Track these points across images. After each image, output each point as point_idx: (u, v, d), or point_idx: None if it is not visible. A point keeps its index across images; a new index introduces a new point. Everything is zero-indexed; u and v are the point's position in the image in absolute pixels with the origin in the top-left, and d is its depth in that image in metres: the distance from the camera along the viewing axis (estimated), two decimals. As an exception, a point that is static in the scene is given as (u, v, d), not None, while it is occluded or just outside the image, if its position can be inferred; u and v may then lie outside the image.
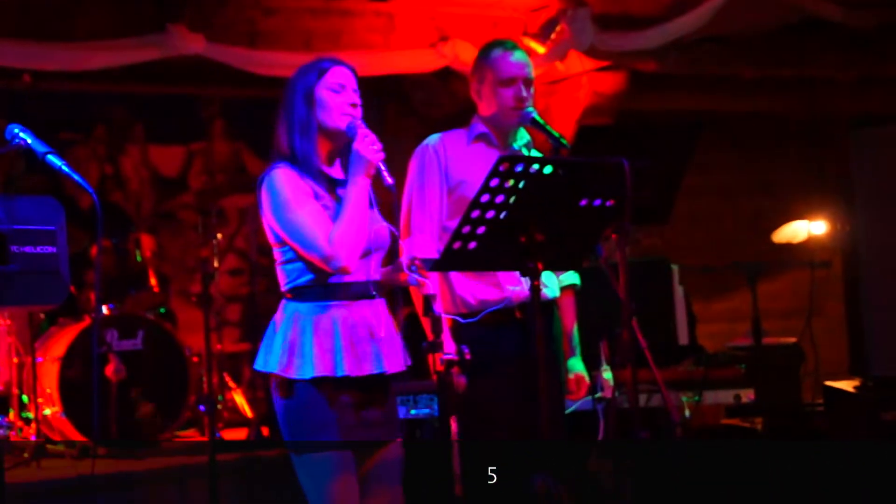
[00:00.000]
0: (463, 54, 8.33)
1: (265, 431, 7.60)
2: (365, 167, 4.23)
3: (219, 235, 8.00)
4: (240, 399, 8.61)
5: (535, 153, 5.26)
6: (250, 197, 8.90)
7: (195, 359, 7.99)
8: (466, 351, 4.13)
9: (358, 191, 4.23)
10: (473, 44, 8.39)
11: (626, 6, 8.16)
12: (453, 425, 4.11)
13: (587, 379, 5.32)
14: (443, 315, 4.79)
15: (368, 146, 4.23)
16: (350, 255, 4.19)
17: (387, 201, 4.42)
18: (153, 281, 8.00)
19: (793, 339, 8.06)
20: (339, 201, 4.30)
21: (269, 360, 4.27)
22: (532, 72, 5.22)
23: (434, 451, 5.82)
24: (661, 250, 9.34)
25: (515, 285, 5.04)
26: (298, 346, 4.23)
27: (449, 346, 4.62)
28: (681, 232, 10.24)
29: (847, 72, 9.05)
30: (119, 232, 8.04)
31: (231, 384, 8.69)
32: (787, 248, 8.43)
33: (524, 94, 5.13)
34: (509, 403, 5.01)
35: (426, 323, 4.20)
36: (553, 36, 8.18)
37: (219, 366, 8.43)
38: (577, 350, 5.36)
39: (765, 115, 10.13)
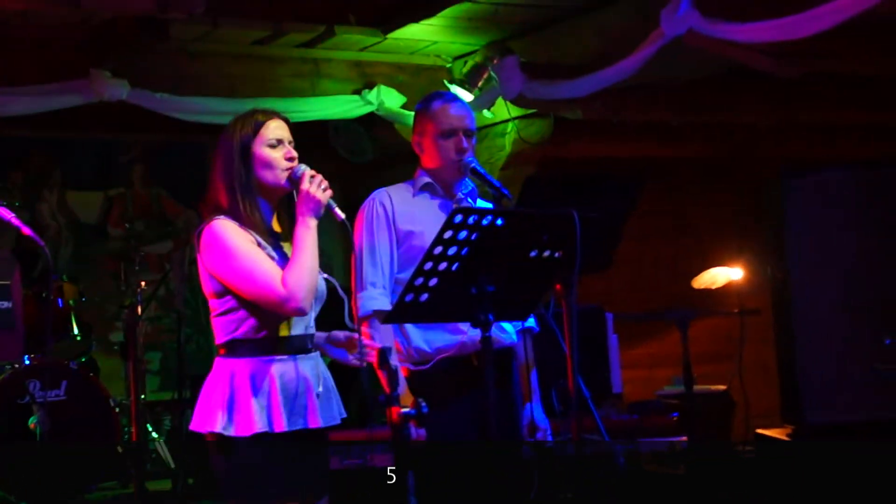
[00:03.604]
0: (388, 101, 8.34)
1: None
2: (314, 209, 4.19)
3: (142, 283, 7.87)
4: (162, 450, 8.47)
5: (481, 202, 5.24)
6: (170, 243, 8.92)
7: (116, 409, 7.82)
8: (423, 405, 4.08)
9: (309, 233, 4.18)
10: (398, 90, 8.40)
11: (553, 55, 8.16)
12: (410, 479, 4.05)
13: (541, 425, 5.28)
14: (399, 366, 4.74)
15: (316, 187, 4.19)
16: (305, 297, 4.12)
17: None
18: (76, 330, 7.85)
19: (723, 387, 8.09)
20: (282, 252, 4.25)
21: (208, 419, 4.19)
22: (473, 122, 5.20)
23: None
24: (581, 298, 9.32)
25: (472, 330, 4.98)
26: (236, 403, 4.15)
27: (406, 399, 4.58)
28: (599, 277, 10.23)
29: (769, 118, 9.14)
30: (40, 280, 7.86)
31: (154, 434, 8.56)
32: (707, 293, 8.46)
33: (465, 144, 5.11)
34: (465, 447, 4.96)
35: (382, 376, 4.15)
36: (480, 84, 8.17)
37: (141, 416, 8.28)
38: (537, 394, 5.31)
39: (688, 160, 10.18)
